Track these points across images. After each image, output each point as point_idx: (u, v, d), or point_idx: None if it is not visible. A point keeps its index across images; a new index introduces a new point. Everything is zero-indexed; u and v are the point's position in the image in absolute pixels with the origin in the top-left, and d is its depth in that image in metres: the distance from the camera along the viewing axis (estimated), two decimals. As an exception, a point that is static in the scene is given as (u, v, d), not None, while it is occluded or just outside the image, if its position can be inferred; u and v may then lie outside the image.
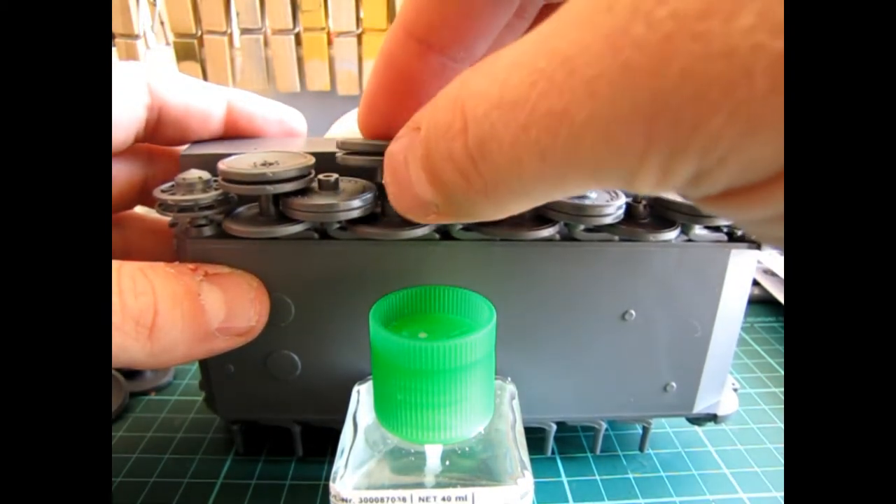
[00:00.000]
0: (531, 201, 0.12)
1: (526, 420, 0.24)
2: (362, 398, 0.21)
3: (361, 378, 0.22)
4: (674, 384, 0.24)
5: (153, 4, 0.47)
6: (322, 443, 0.26)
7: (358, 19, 0.45)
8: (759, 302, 0.41)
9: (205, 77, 0.46)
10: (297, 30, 0.45)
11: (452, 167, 0.12)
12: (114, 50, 0.45)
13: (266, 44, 0.46)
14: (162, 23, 0.49)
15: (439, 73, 0.17)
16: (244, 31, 0.45)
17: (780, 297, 0.39)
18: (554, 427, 0.25)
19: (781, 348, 0.36)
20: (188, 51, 0.46)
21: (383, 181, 0.16)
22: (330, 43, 0.46)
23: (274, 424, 0.25)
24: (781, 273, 0.39)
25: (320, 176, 0.20)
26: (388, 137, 0.17)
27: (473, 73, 0.12)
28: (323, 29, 0.45)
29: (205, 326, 0.20)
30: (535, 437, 0.26)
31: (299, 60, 0.46)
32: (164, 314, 0.19)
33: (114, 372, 0.30)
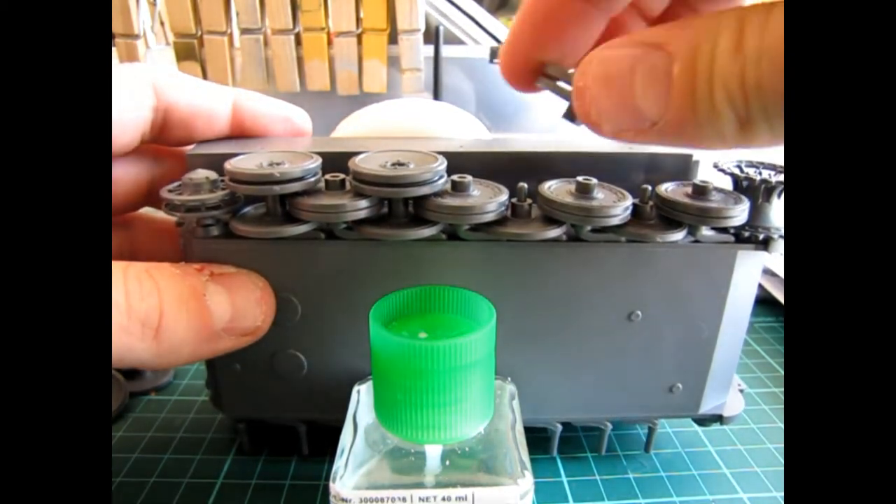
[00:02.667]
0: (775, 143, 0.13)
1: (532, 421, 0.24)
2: (362, 398, 0.21)
3: (368, 378, 0.22)
4: (680, 385, 0.24)
5: (153, 4, 0.47)
6: (322, 442, 0.26)
7: (358, 19, 0.45)
8: (759, 302, 0.40)
9: (205, 77, 0.46)
10: (296, 30, 0.45)
11: (724, 94, 0.13)
12: (114, 50, 0.45)
13: (266, 44, 0.46)
14: (162, 23, 0.49)
15: (581, 17, 0.17)
16: (244, 31, 0.45)
17: (780, 297, 0.39)
18: (560, 428, 0.25)
19: (781, 348, 0.36)
20: (188, 51, 0.46)
21: (579, 84, 0.16)
22: (330, 43, 0.46)
23: (280, 423, 0.25)
24: (781, 273, 0.39)
25: (327, 176, 0.20)
26: (527, 71, 0.18)
27: (750, 20, 0.12)
28: (323, 29, 0.45)
29: (210, 327, 0.20)
30: (538, 438, 0.26)
31: (299, 60, 0.46)
32: (170, 315, 0.19)
33: (114, 372, 0.30)
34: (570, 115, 0.18)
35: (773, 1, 0.12)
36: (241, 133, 0.25)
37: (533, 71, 0.18)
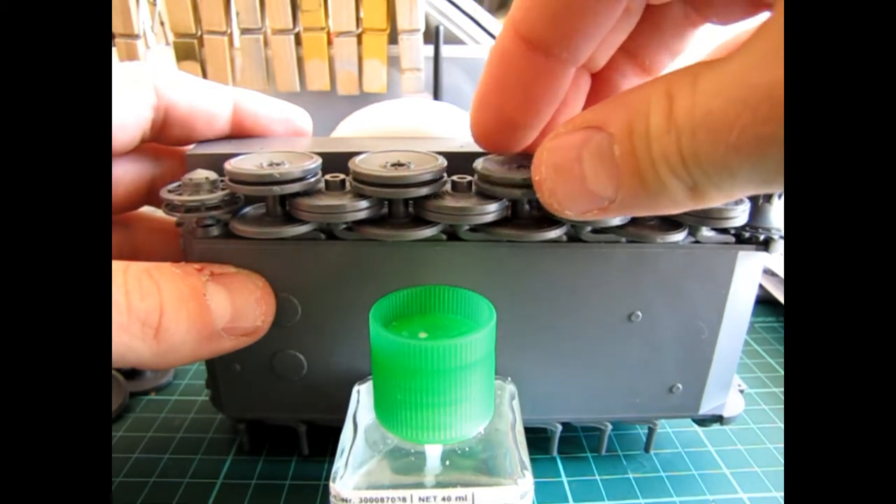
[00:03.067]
0: (731, 198, 0.14)
1: (532, 421, 0.24)
2: (362, 398, 0.21)
3: (368, 378, 0.22)
4: (680, 385, 0.24)
5: (153, 4, 0.47)
6: (322, 442, 0.26)
7: (358, 19, 0.45)
8: (759, 302, 0.40)
9: (205, 77, 0.46)
10: (296, 30, 0.45)
11: (666, 169, 0.13)
12: (114, 50, 0.45)
13: (266, 44, 0.46)
14: (162, 23, 0.49)
15: (545, 71, 0.17)
16: (244, 31, 0.45)
17: (780, 297, 0.39)
18: (560, 428, 0.25)
19: (781, 348, 0.36)
20: (188, 51, 0.46)
21: (536, 178, 0.16)
22: (330, 43, 0.46)
23: (280, 423, 0.25)
24: (781, 273, 0.39)
25: (327, 176, 0.20)
26: (499, 132, 0.19)
27: (678, 91, 0.13)
28: (323, 29, 0.45)
29: (210, 327, 0.20)
30: (538, 438, 0.26)
31: (299, 60, 0.46)
32: (170, 315, 0.19)
33: (114, 372, 0.30)
34: None
35: (699, 62, 0.13)
36: (241, 133, 0.25)
37: (505, 129, 0.19)
